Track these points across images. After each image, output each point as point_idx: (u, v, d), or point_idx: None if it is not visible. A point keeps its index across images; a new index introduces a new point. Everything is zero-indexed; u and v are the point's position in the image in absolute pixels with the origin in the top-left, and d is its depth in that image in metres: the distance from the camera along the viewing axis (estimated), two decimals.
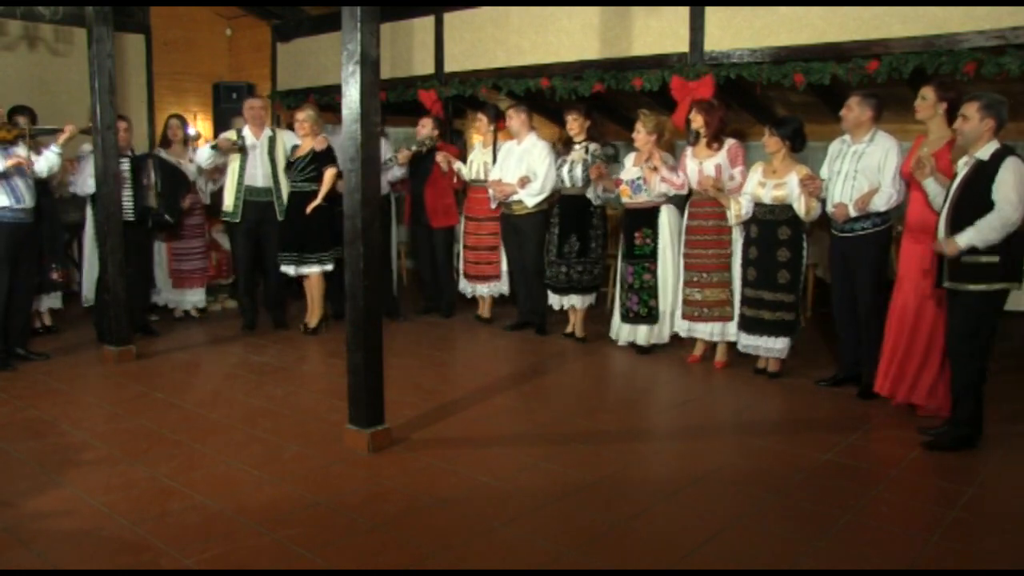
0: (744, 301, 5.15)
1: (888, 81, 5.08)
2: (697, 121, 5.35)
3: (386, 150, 6.53)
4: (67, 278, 6.34)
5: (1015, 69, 4.62)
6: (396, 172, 6.64)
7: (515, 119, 6.21)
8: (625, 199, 5.67)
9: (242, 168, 6.23)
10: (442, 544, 2.98)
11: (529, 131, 6.23)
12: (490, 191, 6.33)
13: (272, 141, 6.32)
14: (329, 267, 6.23)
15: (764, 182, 4.97)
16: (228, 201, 6.28)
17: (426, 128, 6.68)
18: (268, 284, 6.63)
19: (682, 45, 5.98)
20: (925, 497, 3.48)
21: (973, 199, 3.77)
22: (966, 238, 3.74)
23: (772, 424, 4.37)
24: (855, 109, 4.63)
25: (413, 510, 3.26)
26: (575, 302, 6.06)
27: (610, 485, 3.53)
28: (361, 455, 3.82)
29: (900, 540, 3.06)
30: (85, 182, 5.98)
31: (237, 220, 6.27)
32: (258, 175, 6.26)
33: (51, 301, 6.36)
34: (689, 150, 5.49)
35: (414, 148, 6.52)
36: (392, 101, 7.63)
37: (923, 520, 3.25)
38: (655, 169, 5.44)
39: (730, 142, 5.37)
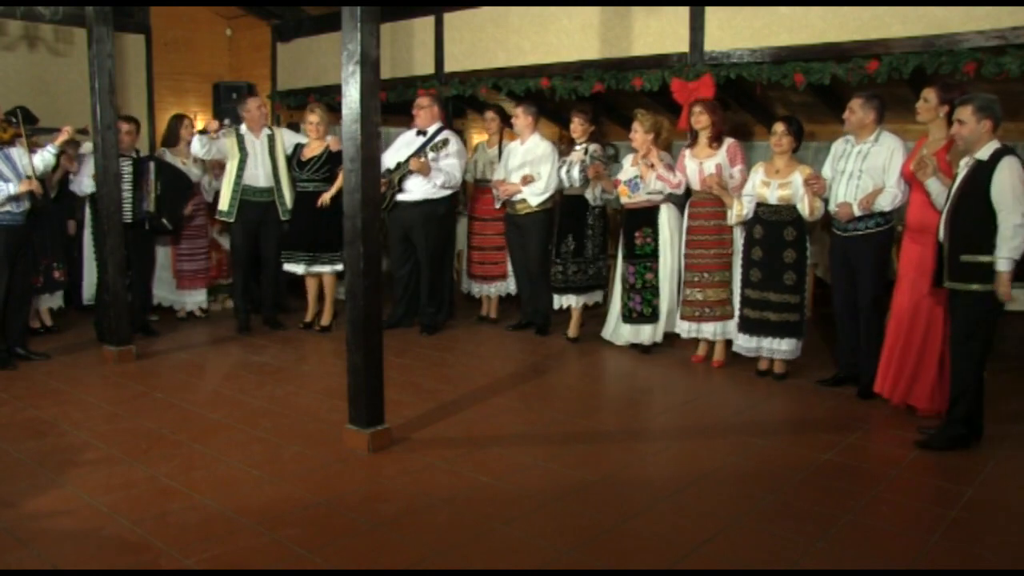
0: (746, 302, 5.11)
1: (888, 81, 5.08)
2: (702, 121, 5.35)
3: (450, 145, 6.14)
4: (68, 277, 6.33)
5: (1015, 69, 4.61)
6: (434, 179, 6.14)
7: (521, 118, 6.17)
8: (624, 199, 5.67)
9: (241, 168, 6.17)
10: (442, 544, 2.98)
11: (533, 131, 6.21)
12: (494, 190, 6.32)
13: (271, 140, 6.30)
14: (340, 267, 6.28)
15: (768, 181, 4.95)
16: (224, 201, 6.23)
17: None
18: (265, 284, 6.61)
19: (682, 45, 5.97)
20: (925, 497, 3.48)
21: (972, 200, 3.78)
22: (1005, 264, 3.70)
23: (772, 424, 4.37)
24: (858, 112, 4.63)
25: (413, 510, 3.26)
26: (571, 302, 6.07)
27: (610, 485, 3.53)
28: (361, 455, 3.82)
29: (900, 540, 3.06)
30: (82, 182, 6.03)
31: (232, 220, 6.24)
32: (259, 175, 6.22)
33: (52, 300, 6.38)
34: (687, 151, 5.49)
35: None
36: (392, 101, 7.62)
37: (923, 520, 3.25)
38: (651, 166, 5.44)
39: (729, 141, 5.38)
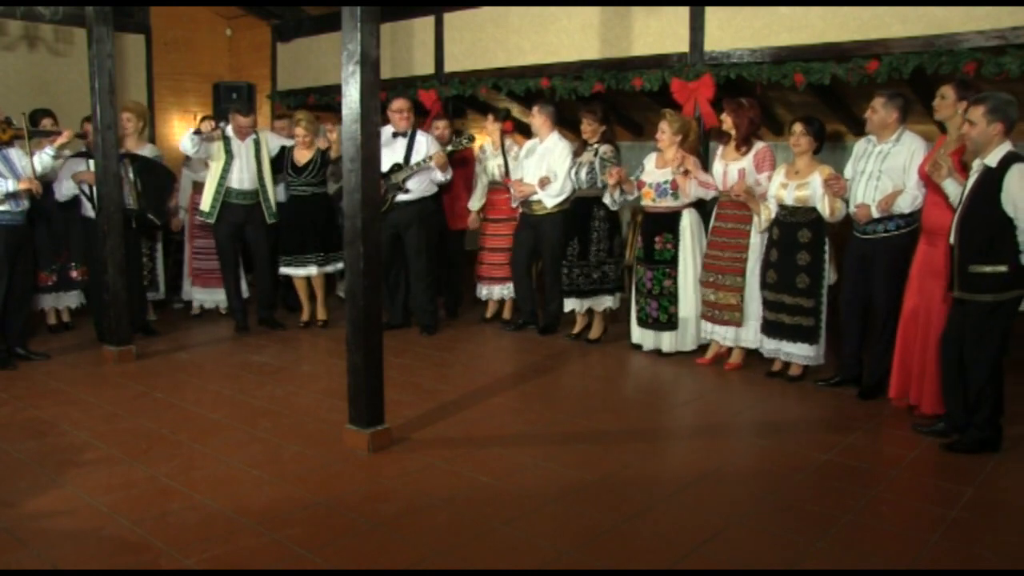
0: (765, 304, 5.06)
1: (888, 81, 5.08)
2: (726, 122, 5.27)
3: (431, 146, 6.13)
4: (87, 276, 6.28)
5: (1015, 69, 4.61)
6: (438, 176, 6.16)
7: (537, 117, 6.11)
8: (647, 202, 5.57)
9: (225, 170, 6.17)
10: (442, 544, 2.98)
11: (551, 130, 6.12)
12: (511, 189, 6.27)
13: (257, 144, 6.31)
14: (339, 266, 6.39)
15: (786, 183, 4.89)
16: (206, 202, 6.21)
17: (448, 130, 6.61)
18: (261, 285, 6.60)
19: (682, 45, 5.98)
20: (925, 497, 3.48)
21: (981, 208, 3.72)
22: None
23: (772, 424, 4.36)
24: (880, 111, 4.54)
25: (413, 510, 3.26)
26: (575, 306, 6.04)
27: (610, 485, 3.53)
28: (361, 455, 3.82)
29: (900, 540, 3.06)
30: (61, 187, 5.93)
31: (212, 221, 6.24)
32: (245, 178, 6.23)
33: (70, 299, 6.40)
34: (720, 149, 5.44)
35: (449, 148, 6.22)
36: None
37: (923, 520, 3.25)
38: (686, 173, 5.31)
39: (759, 146, 5.24)
